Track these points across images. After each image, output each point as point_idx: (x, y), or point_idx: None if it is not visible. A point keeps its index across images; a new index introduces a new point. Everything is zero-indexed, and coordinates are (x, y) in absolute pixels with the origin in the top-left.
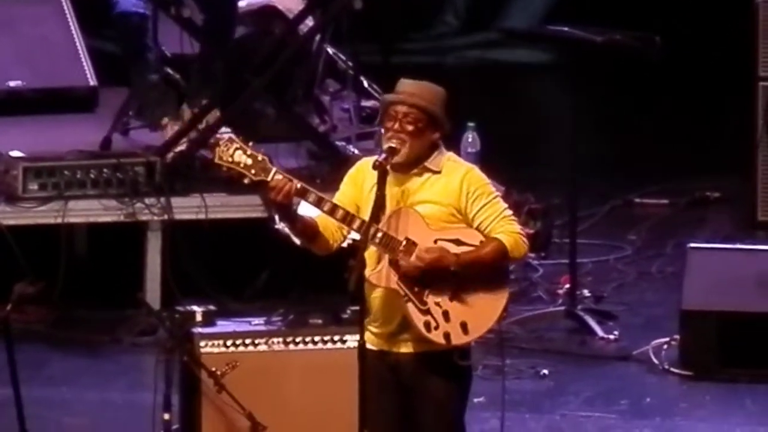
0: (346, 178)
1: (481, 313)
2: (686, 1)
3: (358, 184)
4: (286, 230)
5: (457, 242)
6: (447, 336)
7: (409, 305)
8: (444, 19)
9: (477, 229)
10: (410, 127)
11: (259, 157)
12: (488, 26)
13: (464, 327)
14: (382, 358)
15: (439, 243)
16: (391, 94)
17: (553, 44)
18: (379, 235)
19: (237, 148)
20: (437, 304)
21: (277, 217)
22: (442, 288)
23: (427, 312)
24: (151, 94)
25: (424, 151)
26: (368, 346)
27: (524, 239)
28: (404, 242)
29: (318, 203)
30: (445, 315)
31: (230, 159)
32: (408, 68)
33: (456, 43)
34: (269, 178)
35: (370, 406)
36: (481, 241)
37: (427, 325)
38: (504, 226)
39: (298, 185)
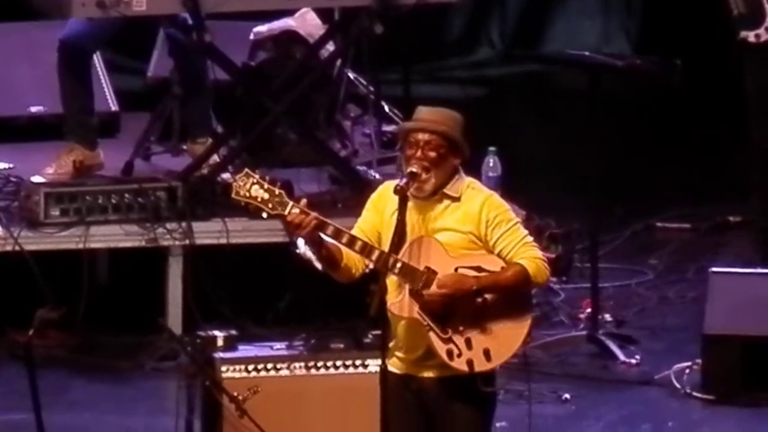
0: (368, 204)
1: (503, 339)
2: (710, 25)
3: (379, 210)
4: (308, 255)
5: (478, 269)
6: (470, 363)
7: (431, 334)
8: (479, 47)
9: (498, 255)
10: (433, 154)
11: (276, 191)
12: (526, 54)
13: (487, 354)
14: (407, 383)
15: (460, 271)
16: (410, 122)
17: (574, 69)
18: (399, 265)
19: (254, 183)
20: (459, 332)
21: (302, 242)
22: (463, 316)
23: (449, 340)
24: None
25: (442, 179)
26: (393, 370)
27: (546, 265)
28: (425, 271)
29: (336, 236)
30: (468, 343)
31: (247, 194)
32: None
33: (495, 73)
34: (286, 212)
35: (393, 430)
36: (503, 267)
37: (449, 353)
38: (525, 252)
39: (315, 220)
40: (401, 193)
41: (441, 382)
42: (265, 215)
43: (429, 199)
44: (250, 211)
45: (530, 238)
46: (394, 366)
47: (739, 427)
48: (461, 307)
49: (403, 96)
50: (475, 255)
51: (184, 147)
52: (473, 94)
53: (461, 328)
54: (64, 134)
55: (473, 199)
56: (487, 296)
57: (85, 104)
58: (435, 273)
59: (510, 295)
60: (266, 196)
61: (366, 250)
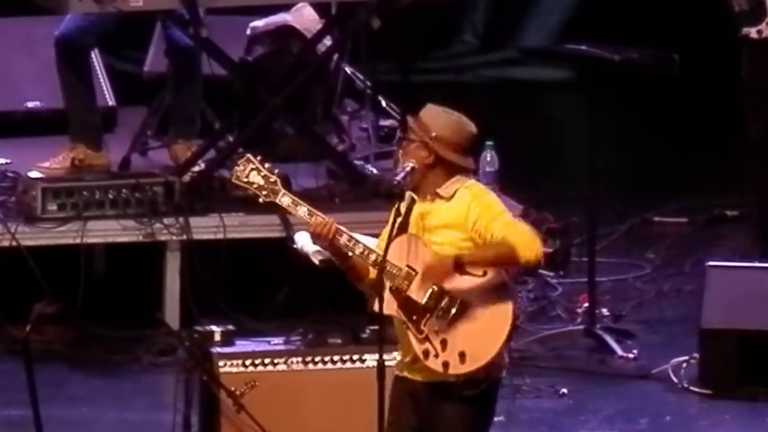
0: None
1: (481, 343)
2: (706, 17)
3: None
4: (305, 250)
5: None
6: (446, 365)
7: (409, 333)
8: (462, 38)
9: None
10: (424, 154)
11: (271, 179)
12: (506, 44)
13: (462, 356)
14: (403, 383)
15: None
16: (413, 118)
17: (571, 62)
18: (379, 260)
19: (252, 169)
20: (435, 332)
21: (298, 236)
22: (441, 316)
23: (426, 340)
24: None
25: (436, 180)
26: (395, 371)
27: (536, 237)
28: (405, 270)
29: (347, 242)
30: (443, 343)
31: (245, 179)
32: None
33: (474, 62)
34: (277, 200)
35: (389, 427)
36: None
37: (425, 353)
38: (516, 228)
39: (334, 227)
40: (398, 188)
41: (429, 386)
42: (261, 200)
43: (423, 199)
44: (249, 196)
45: (521, 221)
46: (395, 367)
47: (737, 422)
48: (439, 307)
49: (400, 88)
50: None
51: (177, 144)
52: (466, 87)
53: (437, 329)
54: (69, 133)
55: (463, 199)
56: (467, 296)
57: (87, 102)
58: (415, 271)
59: (490, 298)
60: (262, 182)
61: (351, 243)
